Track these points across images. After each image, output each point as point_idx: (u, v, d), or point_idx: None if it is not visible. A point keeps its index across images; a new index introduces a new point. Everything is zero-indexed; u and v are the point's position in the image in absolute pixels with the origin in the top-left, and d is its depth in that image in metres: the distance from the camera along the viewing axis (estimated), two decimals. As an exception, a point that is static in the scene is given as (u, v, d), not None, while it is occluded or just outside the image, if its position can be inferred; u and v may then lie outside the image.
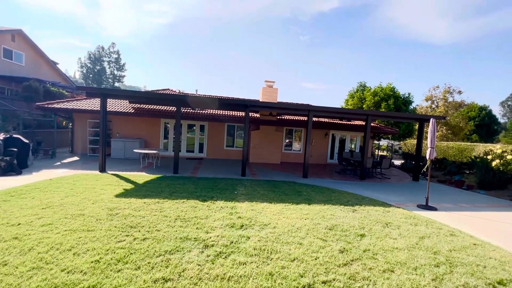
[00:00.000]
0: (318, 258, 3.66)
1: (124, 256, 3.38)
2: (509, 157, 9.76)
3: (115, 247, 3.58)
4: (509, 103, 61.34)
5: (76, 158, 11.85)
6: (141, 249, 3.59)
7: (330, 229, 4.78)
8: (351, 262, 3.63)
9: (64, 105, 12.52)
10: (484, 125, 33.22)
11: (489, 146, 16.37)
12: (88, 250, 3.48)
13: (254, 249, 3.81)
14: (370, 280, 3.22)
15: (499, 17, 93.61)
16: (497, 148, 10.77)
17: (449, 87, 25.02)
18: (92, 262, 3.19)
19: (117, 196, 6.05)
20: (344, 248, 4.01)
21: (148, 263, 3.26)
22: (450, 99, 25.11)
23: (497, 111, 48.08)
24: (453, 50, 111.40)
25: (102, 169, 8.96)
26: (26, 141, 9.34)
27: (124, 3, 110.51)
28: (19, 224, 4.18)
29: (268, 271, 3.26)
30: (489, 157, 10.56)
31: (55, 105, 12.31)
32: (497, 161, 9.97)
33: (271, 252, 3.74)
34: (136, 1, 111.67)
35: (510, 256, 4.20)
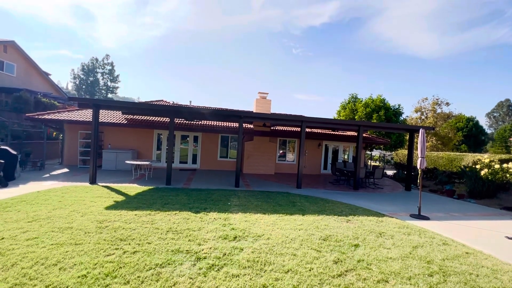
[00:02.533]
0: (312, 269, 3.62)
1: (113, 270, 3.27)
2: (496, 166, 10.01)
3: (103, 261, 3.46)
4: (495, 114, 63.52)
5: (66, 170, 11.59)
6: (131, 262, 3.48)
7: (324, 240, 4.74)
8: (346, 272, 3.59)
9: (55, 116, 12.35)
10: (472, 135, 34.16)
11: (477, 156, 16.76)
12: (75, 264, 3.35)
13: (248, 261, 3.74)
14: (365, 291, 3.18)
15: (481, 33, 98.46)
16: (485, 157, 11.05)
17: (437, 99, 25.83)
18: (78, 277, 3.07)
19: (107, 208, 5.90)
20: (338, 259, 3.98)
21: (138, 277, 3.16)
22: (439, 111, 25.87)
23: (483, 122, 49.68)
24: (440, 63, 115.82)
25: (93, 181, 8.77)
26: (14, 152, 9.11)
27: (117, 15, 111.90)
28: (2, 238, 4.01)
29: (261, 283, 3.19)
30: (478, 166, 10.80)
31: (46, 116, 12.13)
32: (486, 170, 10.20)
33: (265, 264, 3.68)
34: (129, 13, 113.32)
35: (502, 265, 4.23)
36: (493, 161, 10.71)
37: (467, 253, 4.61)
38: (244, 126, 14.34)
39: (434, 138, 24.79)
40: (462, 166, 13.52)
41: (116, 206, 6.15)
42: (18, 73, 20.29)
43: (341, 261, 3.93)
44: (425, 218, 6.89)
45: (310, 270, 3.58)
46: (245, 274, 3.37)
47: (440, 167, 19.01)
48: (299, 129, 15.21)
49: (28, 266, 3.25)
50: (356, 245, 4.58)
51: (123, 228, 4.68)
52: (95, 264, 3.37)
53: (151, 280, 3.11)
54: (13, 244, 3.81)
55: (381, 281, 3.43)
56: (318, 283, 3.27)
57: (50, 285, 2.90)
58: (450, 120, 26.92)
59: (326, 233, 5.10)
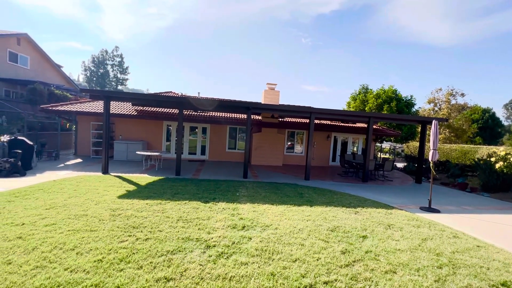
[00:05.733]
0: (319, 259, 3.66)
1: (127, 255, 3.40)
2: (512, 159, 9.68)
3: (117, 247, 3.60)
4: (513, 105, 60.77)
5: (79, 160, 11.94)
6: (143, 249, 3.61)
7: (332, 231, 4.77)
8: (353, 263, 3.62)
9: (68, 107, 12.66)
10: (488, 127, 32.96)
11: (492, 148, 16.22)
12: (91, 249, 3.50)
13: (256, 249, 3.81)
14: (372, 281, 3.20)
15: (502, 19, 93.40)
16: (501, 150, 10.70)
17: (452, 90, 24.90)
18: (95, 261, 3.21)
19: (120, 197, 6.09)
20: (346, 249, 4.00)
21: (150, 262, 3.28)
22: (453, 102, 24.99)
23: (500, 114, 47.64)
24: (456, 52, 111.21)
25: (105, 171, 9.02)
26: (30, 143, 9.43)
27: (123, 6, 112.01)
28: (23, 224, 4.22)
29: (269, 271, 3.26)
30: (493, 159, 10.48)
31: (59, 108, 12.45)
32: (501, 163, 9.90)
33: (273, 253, 3.74)
34: (136, 4, 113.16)
35: (514, 258, 4.16)
36: (509, 153, 10.35)
37: (478, 246, 4.54)
38: (252, 117, 14.31)
39: (447, 130, 24.07)
40: (476, 159, 13.16)
41: (128, 195, 6.33)
42: (32, 65, 20.75)
43: (349, 251, 3.95)
44: (436, 211, 6.80)
45: (317, 260, 3.62)
46: (253, 262, 3.45)
47: (453, 160, 18.53)
48: (307, 120, 15.08)
49: (48, 250, 3.42)
50: (364, 237, 4.58)
51: (135, 216, 4.83)
52: (110, 250, 3.52)
53: (163, 266, 3.23)
54: (33, 230, 4.01)
55: (389, 272, 3.44)
56: (326, 272, 3.32)
57: (69, 268, 3.05)
58: (464, 111, 26.04)
59: (334, 224, 5.12)
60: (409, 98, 20.96)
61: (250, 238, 4.19)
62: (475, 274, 3.56)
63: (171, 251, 3.59)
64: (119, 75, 49.90)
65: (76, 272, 2.98)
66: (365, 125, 15.85)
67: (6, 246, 3.47)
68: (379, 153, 23.59)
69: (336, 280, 3.17)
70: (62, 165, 10.42)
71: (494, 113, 34.29)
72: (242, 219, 5.06)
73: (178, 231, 4.27)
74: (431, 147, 7.24)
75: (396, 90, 20.79)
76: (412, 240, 4.61)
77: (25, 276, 2.87)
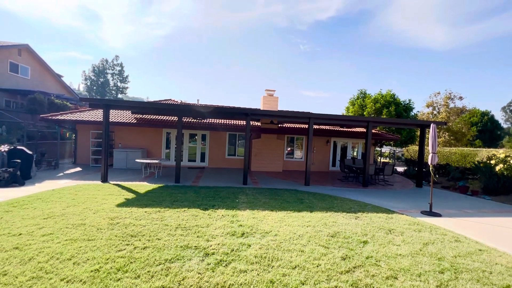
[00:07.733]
0: (320, 265, 3.61)
1: (124, 265, 3.36)
2: (512, 161, 9.67)
3: (115, 256, 3.56)
4: (511, 108, 60.97)
5: (79, 168, 11.92)
6: (141, 257, 3.57)
7: (332, 236, 4.72)
8: (354, 269, 3.57)
9: (67, 116, 12.70)
10: (487, 130, 33.04)
11: (492, 151, 16.21)
12: (88, 259, 3.46)
13: (255, 256, 3.77)
14: (373, 287, 3.16)
15: (498, 22, 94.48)
16: (500, 152, 10.69)
17: (450, 93, 25.07)
18: (92, 271, 3.18)
19: (119, 205, 6.05)
20: (346, 255, 3.96)
21: (148, 271, 3.24)
22: (452, 105, 25.11)
23: (499, 117, 47.85)
24: (453, 55, 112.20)
25: (104, 180, 8.99)
26: (30, 152, 9.43)
27: (122, 16, 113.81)
28: (20, 234, 4.18)
29: (269, 278, 3.22)
30: (493, 162, 10.46)
31: (59, 117, 12.49)
32: (501, 165, 9.88)
33: (272, 260, 3.70)
34: (135, 13, 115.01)
35: (517, 262, 4.11)
36: (508, 156, 10.34)
37: (480, 250, 4.49)
38: (251, 123, 14.36)
39: (446, 134, 24.11)
40: (476, 162, 13.13)
41: (127, 203, 6.30)
42: (32, 75, 20.95)
43: (349, 257, 3.90)
44: (437, 215, 6.75)
45: (317, 266, 3.58)
46: (252, 270, 3.40)
47: (453, 163, 18.50)
48: (306, 126, 15.11)
49: (44, 260, 3.38)
50: (365, 242, 4.54)
51: (134, 225, 4.79)
52: (107, 259, 3.48)
53: (160, 274, 3.19)
54: (30, 240, 3.97)
55: (390, 278, 3.39)
56: (326, 279, 3.27)
57: (65, 278, 3.01)
58: (463, 115, 26.12)
59: (334, 229, 5.08)
60: (408, 102, 21.05)
61: (250, 245, 4.15)
62: (477, 278, 3.51)
63: (169, 260, 3.55)
64: (119, 84, 50.29)
65: (72, 283, 2.94)
66: (364, 130, 15.87)
67: (2, 257, 3.43)
68: (379, 158, 23.57)
69: (336, 286, 3.12)
70: (62, 174, 10.39)
71: (493, 116, 34.44)
72: (241, 226, 5.02)
73: (177, 239, 4.23)
74: (430, 151, 7.24)
75: (394, 95, 20.91)
76: (413, 244, 4.56)
77: (21, 287, 2.83)
